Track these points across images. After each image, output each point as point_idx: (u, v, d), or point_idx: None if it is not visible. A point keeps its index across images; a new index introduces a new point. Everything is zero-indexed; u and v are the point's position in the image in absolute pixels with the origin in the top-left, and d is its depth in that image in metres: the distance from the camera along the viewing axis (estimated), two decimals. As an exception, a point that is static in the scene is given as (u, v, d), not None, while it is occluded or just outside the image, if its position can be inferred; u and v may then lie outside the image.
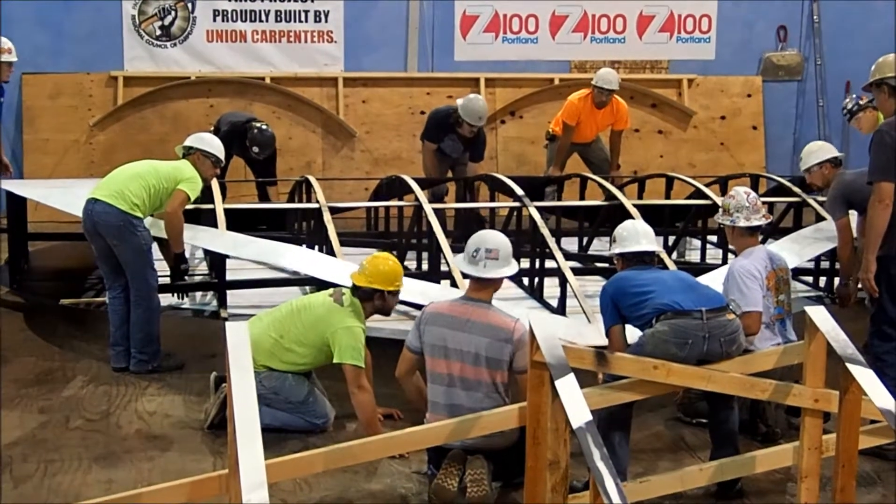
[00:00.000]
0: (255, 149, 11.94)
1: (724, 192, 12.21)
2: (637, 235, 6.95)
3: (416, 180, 10.46)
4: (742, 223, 7.35)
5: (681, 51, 15.79)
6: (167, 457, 6.97)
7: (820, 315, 5.94)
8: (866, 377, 5.55)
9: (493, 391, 6.45)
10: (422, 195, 9.96)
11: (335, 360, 7.13)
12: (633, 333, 6.79)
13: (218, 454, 6.88)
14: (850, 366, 5.60)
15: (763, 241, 10.54)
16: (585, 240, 11.25)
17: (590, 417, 4.98)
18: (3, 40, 10.66)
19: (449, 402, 6.45)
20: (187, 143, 8.91)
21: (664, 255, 9.39)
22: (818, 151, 9.05)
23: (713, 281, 7.83)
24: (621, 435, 6.48)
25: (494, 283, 6.69)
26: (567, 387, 5.21)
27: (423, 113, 14.73)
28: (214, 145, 8.94)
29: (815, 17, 15.83)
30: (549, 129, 13.24)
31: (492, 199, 11.88)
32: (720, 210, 7.55)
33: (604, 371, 6.20)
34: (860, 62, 14.68)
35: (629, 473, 6.51)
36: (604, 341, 6.80)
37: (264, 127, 12.09)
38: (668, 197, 11.65)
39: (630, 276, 6.79)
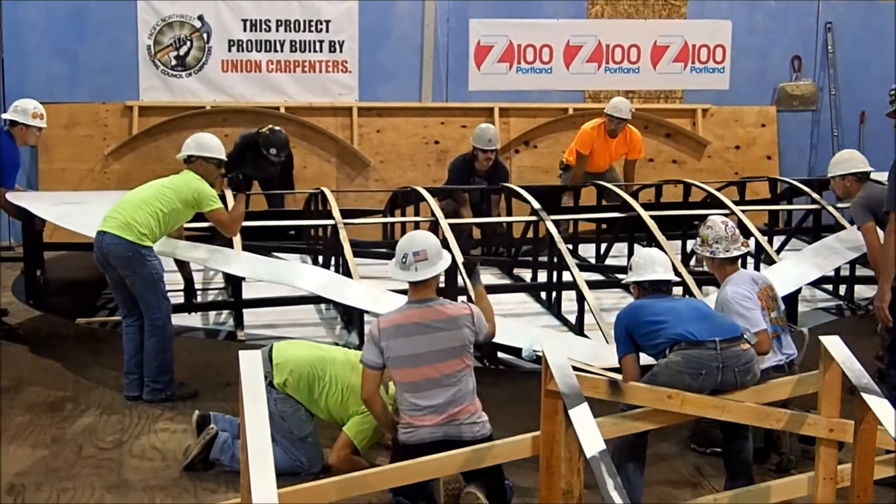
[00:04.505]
0: (273, 150, 11.98)
1: (741, 195, 12.29)
2: (653, 264, 6.93)
3: (431, 193, 10.51)
4: (722, 255, 7.31)
5: (695, 81, 15.81)
6: (180, 486, 6.95)
7: (835, 344, 5.92)
8: (882, 407, 5.52)
9: (468, 373, 6.54)
10: (437, 209, 9.99)
11: (347, 425, 7.04)
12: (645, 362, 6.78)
13: (230, 483, 6.86)
14: (865, 396, 5.58)
15: (784, 244, 10.63)
16: (603, 248, 11.27)
17: (603, 447, 4.97)
18: (36, 104, 10.48)
19: (431, 402, 6.44)
20: (188, 151, 8.82)
21: (680, 267, 9.36)
22: (844, 163, 9.05)
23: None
24: (635, 464, 6.46)
25: (431, 280, 6.69)
26: (581, 416, 5.20)
27: (437, 143, 14.80)
28: (213, 146, 8.87)
29: (829, 46, 15.85)
30: (562, 158, 13.28)
31: (508, 211, 11.94)
32: (698, 240, 7.46)
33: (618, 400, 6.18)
34: (875, 92, 14.83)
35: (643, 503, 6.48)
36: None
37: (276, 128, 12.23)
38: (685, 200, 11.82)
39: (645, 304, 6.76)
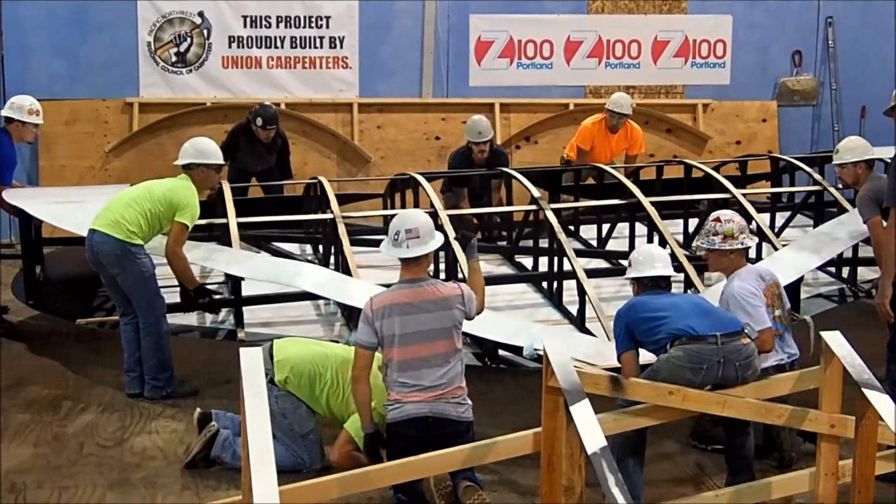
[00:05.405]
0: (259, 121, 12.01)
1: (743, 172, 12.33)
2: (652, 260, 6.94)
3: (430, 181, 10.49)
4: (749, 242, 7.29)
5: (696, 76, 15.80)
6: (182, 483, 6.96)
7: (835, 339, 5.91)
8: (883, 403, 5.52)
9: (458, 355, 6.60)
10: (436, 199, 9.97)
11: (347, 422, 7.07)
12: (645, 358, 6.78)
13: (232, 481, 6.85)
14: (866, 391, 5.57)
15: (787, 222, 10.69)
16: (605, 230, 11.29)
17: (605, 443, 4.97)
18: (32, 101, 10.40)
19: (420, 381, 6.48)
20: (187, 159, 8.68)
21: (680, 254, 9.35)
22: (856, 150, 9.00)
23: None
24: (635, 460, 6.46)
25: (423, 259, 6.74)
26: (582, 412, 5.19)
27: (437, 138, 14.79)
28: (214, 152, 8.79)
29: (830, 41, 15.83)
30: (563, 154, 13.27)
31: (508, 196, 12.05)
32: (718, 237, 7.20)
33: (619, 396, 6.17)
34: (876, 87, 14.81)
35: (644, 499, 6.48)
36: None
37: (267, 103, 12.36)
38: (686, 178, 11.93)
39: (644, 301, 6.76)
